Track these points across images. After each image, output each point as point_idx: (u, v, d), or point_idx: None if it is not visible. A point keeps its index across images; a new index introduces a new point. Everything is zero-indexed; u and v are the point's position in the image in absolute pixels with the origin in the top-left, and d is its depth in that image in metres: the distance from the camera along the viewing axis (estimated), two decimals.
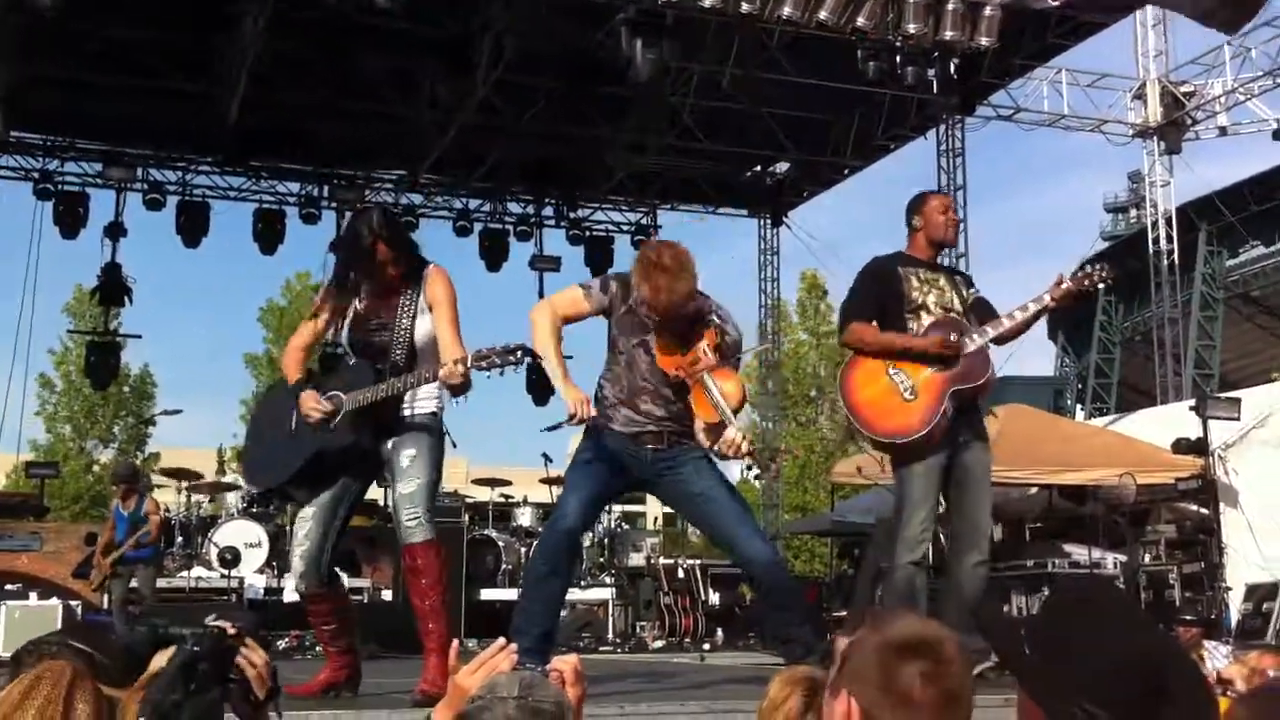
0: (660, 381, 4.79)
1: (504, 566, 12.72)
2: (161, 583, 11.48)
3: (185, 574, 12.06)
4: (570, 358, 4.98)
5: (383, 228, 4.73)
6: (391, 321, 4.71)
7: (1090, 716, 1.67)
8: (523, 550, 12.93)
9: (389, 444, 4.70)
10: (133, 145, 16.58)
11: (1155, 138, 18.34)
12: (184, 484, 12.67)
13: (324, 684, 4.85)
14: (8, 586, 11.94)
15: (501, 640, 2.39)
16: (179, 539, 12.89)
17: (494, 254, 18.50)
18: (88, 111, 15.98)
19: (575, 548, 4.96)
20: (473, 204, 18.75)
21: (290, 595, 11.10)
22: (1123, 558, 12.87)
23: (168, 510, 11.57)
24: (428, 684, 4.38)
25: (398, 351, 4.66)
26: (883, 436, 5.32)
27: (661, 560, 13.75)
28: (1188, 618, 10.49)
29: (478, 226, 18.60)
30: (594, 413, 4.60)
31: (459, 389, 4.53)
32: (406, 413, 4.71)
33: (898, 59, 12.77)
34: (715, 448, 4.61)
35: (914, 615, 1.83)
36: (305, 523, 4.72)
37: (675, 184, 19.13)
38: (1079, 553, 12.76)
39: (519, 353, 4.43)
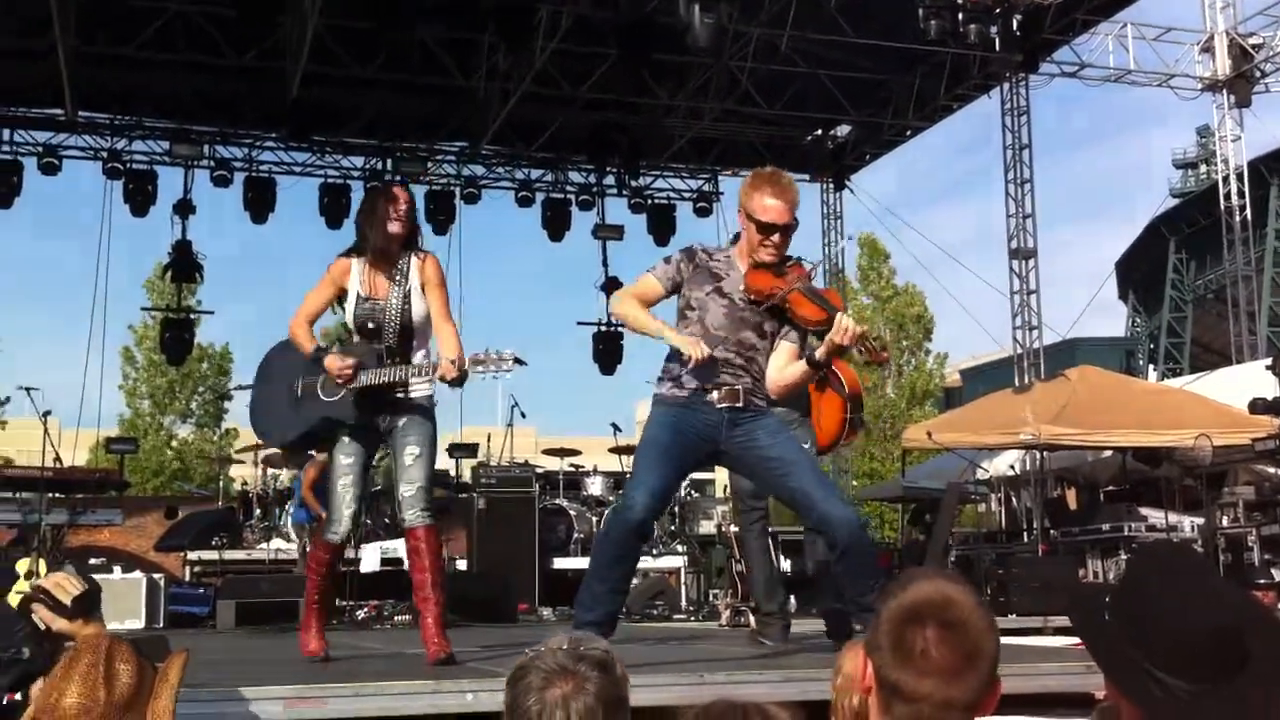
0: (736, 328, 4.77)
1: (576, 535, 12.82)
2: (241, 555, 11.85)
3: (264, 546, 12.27)
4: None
5: (407, 191, 5.42)
6: (384, 301, 5.20)
7: (1162, 685, 1.62)
8: (594, 519, 13.01)
9: (398, 424, 5.21)
10: (198, 122, 16.80)
11: (1224, 91, 17.94)
12: (261, 453, 12.91)
13: (315, 653, 5.27)
14: (91, 560, 12.23)
15: None
16: (257, 512, 13.14)
17: (557, 224, 18.57)
18: (153, 90, 16.21)
19: (644, 536, 4.93)
20: (534, 174, 18.79)
21: (367, 565, 11.25)
22: (1199, 520, 12.71)
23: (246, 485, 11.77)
24: (436, 647, 4.96)
25: (390, 331, 5.18)
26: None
27: (732, 528, 13.74)
28: (1261, 581, 10.34)
29: (539, 196, 18.67)
30: (709, 351, 4.65)
31: (454, 384, 5.12)
32: (402, 394, 5.20)
33: (959, 16, 12.60)
34: (830, 339, 4.69)
35: (934, 576, 1.80)
36: (349, 488, 5.24)
37: (735, 149, 19.03)
38: (1155, 516, 12.62)
39: (511, 361, 4.97)
